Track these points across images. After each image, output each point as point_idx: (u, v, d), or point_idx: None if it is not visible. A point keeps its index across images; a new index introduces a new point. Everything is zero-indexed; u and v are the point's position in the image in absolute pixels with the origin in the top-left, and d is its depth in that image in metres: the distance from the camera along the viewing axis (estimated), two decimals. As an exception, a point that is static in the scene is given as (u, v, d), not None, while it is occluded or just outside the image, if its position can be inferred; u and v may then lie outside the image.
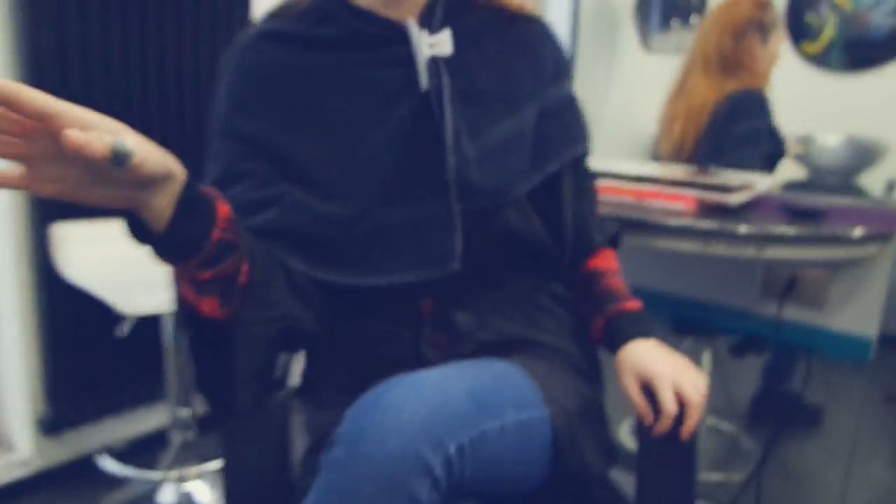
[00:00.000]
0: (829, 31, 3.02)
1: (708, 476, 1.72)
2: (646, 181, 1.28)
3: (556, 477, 0.74)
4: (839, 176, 2.50)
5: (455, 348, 0.79)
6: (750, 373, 1.47)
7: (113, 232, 1.58)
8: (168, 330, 1.63)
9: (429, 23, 0.77)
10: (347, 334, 0.80)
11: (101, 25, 1.52)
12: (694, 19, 3.22)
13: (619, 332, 0.83)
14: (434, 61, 0.76)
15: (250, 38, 0.79)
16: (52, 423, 1.65)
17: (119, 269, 1.51)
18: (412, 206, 0.75)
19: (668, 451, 0.77)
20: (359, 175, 0.75)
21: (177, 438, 1.71)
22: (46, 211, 1.53)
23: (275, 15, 0.80)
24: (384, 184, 0.75)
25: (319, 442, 0.74)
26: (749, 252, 1.10)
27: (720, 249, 1.11)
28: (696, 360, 1.87)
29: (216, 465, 1.74)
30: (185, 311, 0.66)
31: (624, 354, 0.82)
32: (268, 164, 0.75)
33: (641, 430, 0.78)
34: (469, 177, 0.76)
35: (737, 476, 1.76)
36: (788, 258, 1.15)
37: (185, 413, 1.70)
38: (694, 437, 0.75)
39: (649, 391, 0.78)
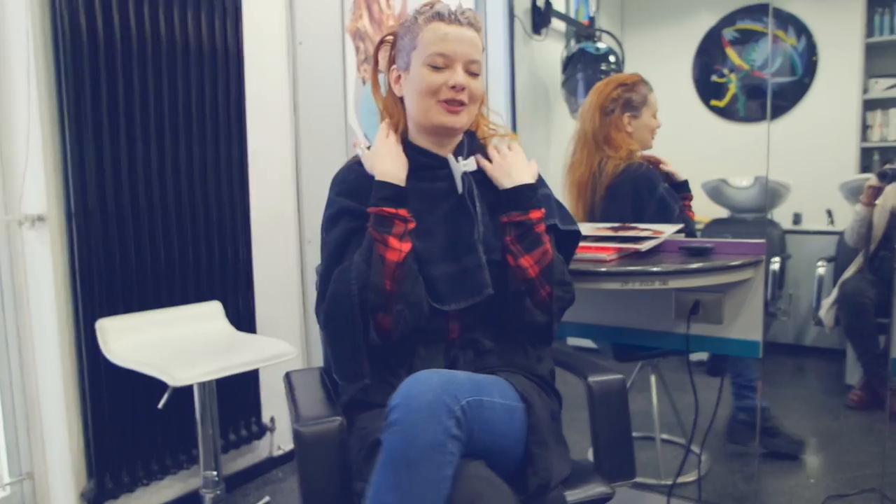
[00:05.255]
0: (732, 88, 3.51)
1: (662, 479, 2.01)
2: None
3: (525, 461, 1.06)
4: (753, 212, 2.92)
5: (479, 361, 1.18)
6: (699, 394, 1.76)
7: (149, 321, 1.88)
8: (198, 400, 1.89)
9: (459, 153, 1.29)
10: (397, 353, 1.20)
11: (129, 145, 1.87)
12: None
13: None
14: (466, 175, 1.27)
15: (351, 164, 1.32)
16: (95, 497, 1.86)
17: (158, 350, 1.79)
18: (460, 260, 1.21)
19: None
20: (431, 239, 1.23)
21: (208, 497, 1.95)
22: (91, 306, 1.81)
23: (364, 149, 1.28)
24: (443, 245, 1.23)
25: (372, 445, 1.05)
26: (657, 285, 1.46)
27: (636, 285, 1.47)
28: (646, 384, 2.19)
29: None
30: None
31: None
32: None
33: None
34: (487, 240, 1.24)
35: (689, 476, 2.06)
36: (688, 286, 1.51)
37: (213, 474, 1.94)
38: None
39: None
